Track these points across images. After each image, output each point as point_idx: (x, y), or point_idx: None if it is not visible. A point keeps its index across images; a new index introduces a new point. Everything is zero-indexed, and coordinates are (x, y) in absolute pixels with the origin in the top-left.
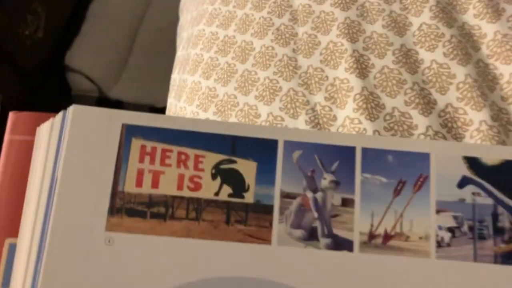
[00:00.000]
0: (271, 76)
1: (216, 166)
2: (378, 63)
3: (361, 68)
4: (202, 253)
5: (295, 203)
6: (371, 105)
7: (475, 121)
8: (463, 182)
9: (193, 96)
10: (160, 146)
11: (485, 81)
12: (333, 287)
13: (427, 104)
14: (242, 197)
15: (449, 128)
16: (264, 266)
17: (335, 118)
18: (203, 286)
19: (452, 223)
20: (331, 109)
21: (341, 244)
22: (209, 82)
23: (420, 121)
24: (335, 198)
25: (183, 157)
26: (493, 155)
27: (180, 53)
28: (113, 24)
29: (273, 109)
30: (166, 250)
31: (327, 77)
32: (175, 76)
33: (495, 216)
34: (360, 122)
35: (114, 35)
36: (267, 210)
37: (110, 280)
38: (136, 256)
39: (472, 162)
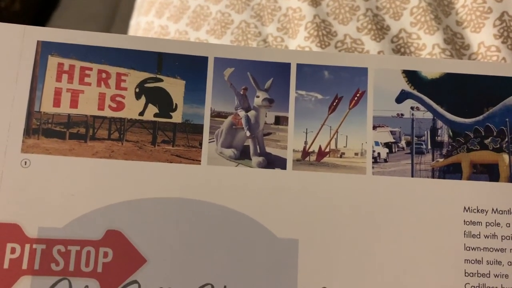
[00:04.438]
0: (223, 9)
1: (141, 85)
2: None
3: None
4: (126, 175)
5: (226, 122)
6: (323, 32)
7: (428, 45)
8: (402, 97)
9: (145, 36)
10: (78, 64)
11: (440, 5)
12: (265, 205)
13: (380, 30)
14: (170, 116)
15: (402, 53)
16: (194, 186)
17: (287, 48)
18: (128, 208)
19: (389, 139)
20: (283, 40)
21: (273, 162)
22: (161, 20)
23: (371, 46)
24: (269, 116)
25: (104, 75)
26: (433, 68)
27: None
28: None
29: (224, 42)
30: (87, 172)
31: (280, 7)
32: (132, 22)
33: (433, 131)
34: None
35: (95, 6)
36: (197, 129)
37: (27, 202)
38: (55, 178)
39: (412, 76)
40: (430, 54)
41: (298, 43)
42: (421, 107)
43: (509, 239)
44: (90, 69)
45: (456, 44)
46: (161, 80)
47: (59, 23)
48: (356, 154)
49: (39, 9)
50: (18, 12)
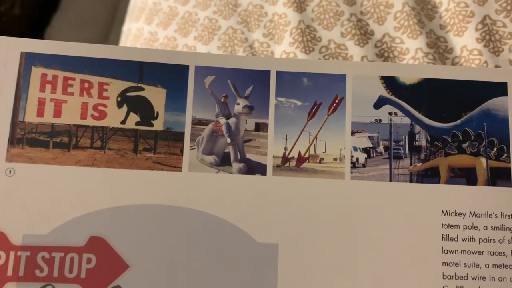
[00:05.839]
0: (210, 15)
1: (122, 94)
2: None
3: (299, 2)
4: (108, 182)
5: (207, 129)
6: (307, 38)
7: (411, 49)
8: (380, 102)
9: (134, 43)
10: (61, 74)
11: (424, 9)
12: (246, 211)
13: (364, 35)
14: (151, 124)
15: (385, 58)
16: (175, 193)
17: (272, 54)
18: (111, 215)
19: (367, 144)
20: (269, 45)
21: (254, 168)
22: (150, 27)
23: (355, 51)
24: (249, 123)
25: (86, 85)
26: (411, 74)
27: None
28: None
29: (211, 48)
30: (70, 180)
31: (266, 13)
32: (125, 28)
33: (411, 135)
34: (295, 56)
35: (95, 10)
36: (178, 137)
37: (12, 210)
38: (39, 187)
39: (390, 82)
40: (413, 58)
41: (283, 49)
42: (399, 113)
43: (486, 241)
44: (73, 79)
45: (439, 48)
46: (142, 89)
47: (59, 27)
48: (335, 159)
49: (39, 13)
50: (18, 16)
